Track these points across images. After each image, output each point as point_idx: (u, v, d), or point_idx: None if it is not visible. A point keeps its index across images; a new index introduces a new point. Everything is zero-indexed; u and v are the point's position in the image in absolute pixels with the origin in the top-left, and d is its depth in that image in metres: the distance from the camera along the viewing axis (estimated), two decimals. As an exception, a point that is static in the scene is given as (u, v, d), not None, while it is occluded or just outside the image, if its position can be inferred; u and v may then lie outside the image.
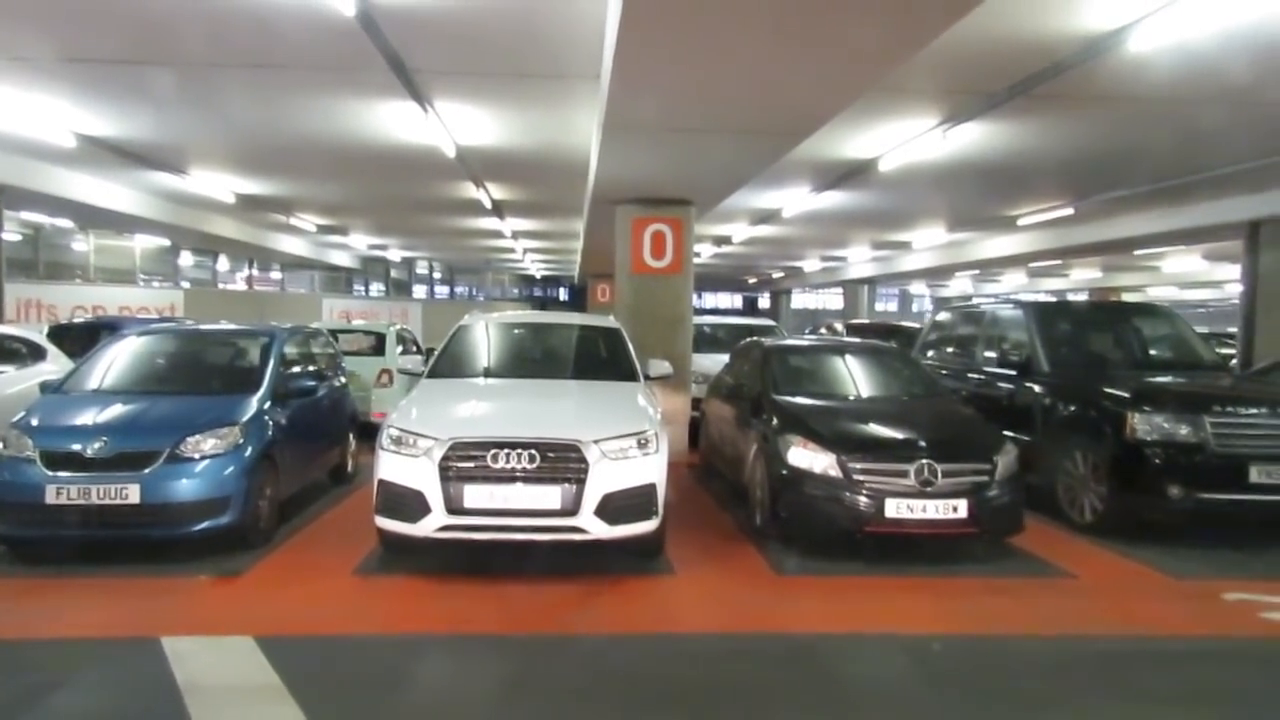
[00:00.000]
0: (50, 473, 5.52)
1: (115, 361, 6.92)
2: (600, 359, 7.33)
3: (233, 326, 8.65)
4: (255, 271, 30.18)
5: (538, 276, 45.67)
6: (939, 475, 5.84)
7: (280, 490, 6.50)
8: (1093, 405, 7.14)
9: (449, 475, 5.27)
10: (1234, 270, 19.96)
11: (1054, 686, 4.22)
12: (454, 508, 5.25)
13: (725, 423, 8.16)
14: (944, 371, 9.28)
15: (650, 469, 5.52)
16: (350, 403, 8.77)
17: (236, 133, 11.41)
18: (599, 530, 5.32)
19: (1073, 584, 5.79)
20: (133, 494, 5.50)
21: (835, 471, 5.95)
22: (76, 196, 14.57)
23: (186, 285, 24.52)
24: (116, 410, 6.12)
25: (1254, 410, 6.72)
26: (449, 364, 7.00)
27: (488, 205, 16.87)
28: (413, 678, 4.29)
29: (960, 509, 5.82)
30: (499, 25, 6.92)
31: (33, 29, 7.36)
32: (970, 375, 9.01)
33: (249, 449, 6.00)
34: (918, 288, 48.67)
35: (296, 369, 7.44)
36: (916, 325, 15.94)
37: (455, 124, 10.14)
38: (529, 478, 5.28)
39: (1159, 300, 30.71)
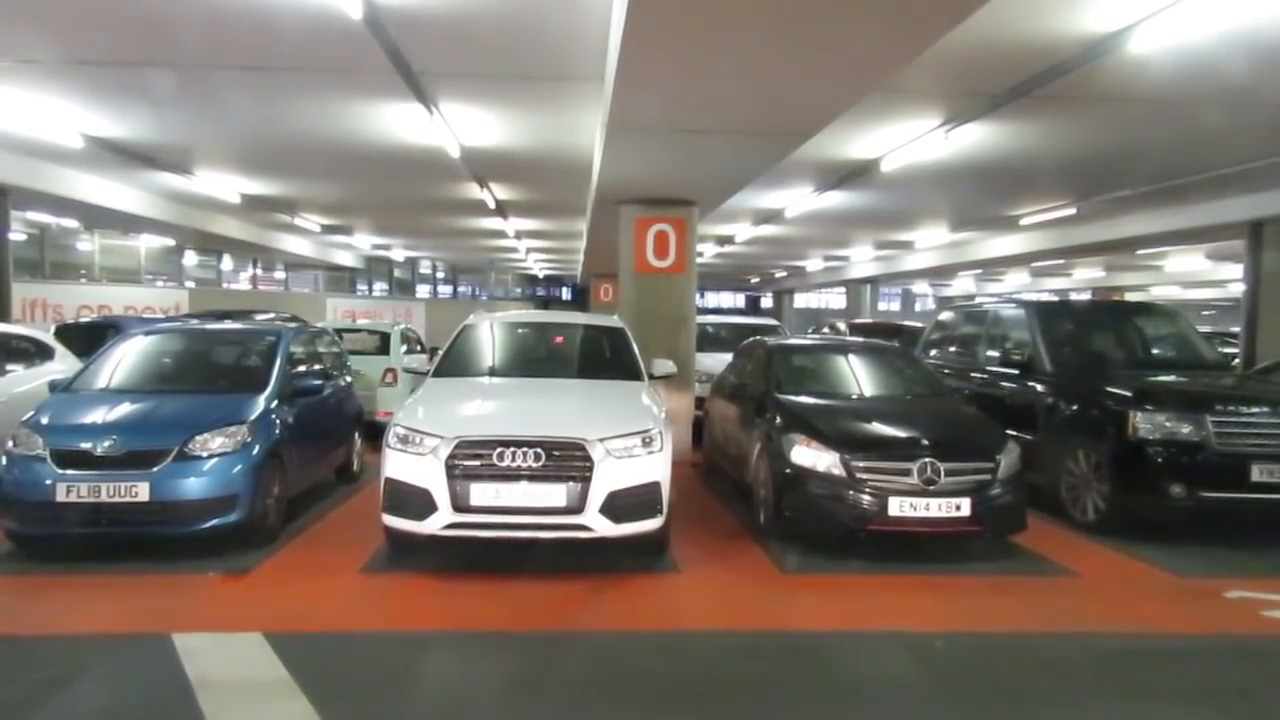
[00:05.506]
0: (60, 471, 5.57)
1: (123, 361, 6.96)
2: (605, 358, 7.36)
3: (240, 326, 8.69)
4: (259, 271, 30.24)
5: (541, 276, 45.67)
6: (942, 474, 5.87)
7: (287, 488, 6.54)
8: (1095, 404, 7.17)
9: (455, 473, 5.31)
10: (1237, 270, 19.96)
11: (1056, 684, 4.24)
12: (460, 506, 5.30)
13: (729, 422, 8.19)
14: (947, 371, 9.30)
15: (655, 467, 5.55)
16: (355, 402, 8.82)
17: (243, 134, 11.46)
18: (604, 528, 5.36)
19: (1075, 582, 5.82)
20: (142, 492, 5.55)
21: (839, 470, 5.99)
22: (83, 197, 14.63)
23: (191, 285, 24.58)
24: (125, 409, 6.17)
25: (1256, 409, 6.73)
26: (454, 363, 7.03)
27: (491, 205, 16.91)
28: (421, 674, 4.32)
29: (963, 507, 5.86)
30: (504, 28, 6.96)
31: (42, 31, 7.40)
32: (973, 374, 9.03)
33: (256, 447, 6.05)
34: (920, 287, 48.64)
35: (303, 368, 7.49)
36: (921, 325, 15.93)
37: (460, 125, 10.18)
38: (534, 476, 5.31)
39: (1161, 300, 30.69)
